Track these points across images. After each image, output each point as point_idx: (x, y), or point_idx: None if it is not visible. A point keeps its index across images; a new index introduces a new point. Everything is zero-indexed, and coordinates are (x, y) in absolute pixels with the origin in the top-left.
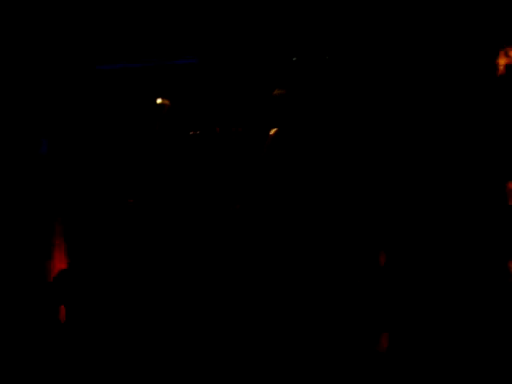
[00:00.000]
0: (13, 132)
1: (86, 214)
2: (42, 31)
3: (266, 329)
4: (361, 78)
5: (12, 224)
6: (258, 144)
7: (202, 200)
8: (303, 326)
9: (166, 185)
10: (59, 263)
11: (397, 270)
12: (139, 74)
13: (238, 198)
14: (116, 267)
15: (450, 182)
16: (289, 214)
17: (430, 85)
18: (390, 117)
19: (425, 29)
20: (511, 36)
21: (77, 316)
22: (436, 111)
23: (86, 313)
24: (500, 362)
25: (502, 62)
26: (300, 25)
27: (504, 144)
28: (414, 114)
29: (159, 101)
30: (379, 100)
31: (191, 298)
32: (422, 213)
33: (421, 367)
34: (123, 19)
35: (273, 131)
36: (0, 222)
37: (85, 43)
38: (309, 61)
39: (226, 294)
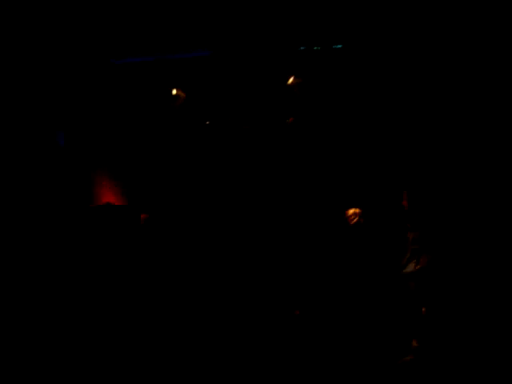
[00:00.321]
0: (31, 124)
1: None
2: (58, 27)
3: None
4: (374, 66)
5: (28, 216)
6: (274, 134)
7: (217, 190)
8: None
9: (180, 173)
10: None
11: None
12: (153, 68)
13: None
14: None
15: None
16: (307, 200)
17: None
18: (403, 108)
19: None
20: None
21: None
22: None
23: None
24: None
25: None
26: (313, 15)
27: None
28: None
29: (174, 92)
30: (393, 90)
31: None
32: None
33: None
34: (138, 14)
35: (290, 120)
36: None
37: (100, 38)
38: (321, 50)
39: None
